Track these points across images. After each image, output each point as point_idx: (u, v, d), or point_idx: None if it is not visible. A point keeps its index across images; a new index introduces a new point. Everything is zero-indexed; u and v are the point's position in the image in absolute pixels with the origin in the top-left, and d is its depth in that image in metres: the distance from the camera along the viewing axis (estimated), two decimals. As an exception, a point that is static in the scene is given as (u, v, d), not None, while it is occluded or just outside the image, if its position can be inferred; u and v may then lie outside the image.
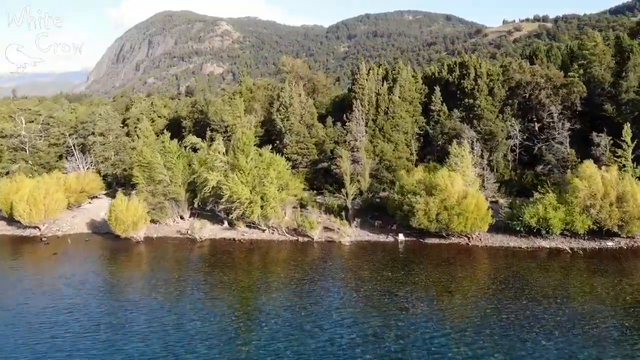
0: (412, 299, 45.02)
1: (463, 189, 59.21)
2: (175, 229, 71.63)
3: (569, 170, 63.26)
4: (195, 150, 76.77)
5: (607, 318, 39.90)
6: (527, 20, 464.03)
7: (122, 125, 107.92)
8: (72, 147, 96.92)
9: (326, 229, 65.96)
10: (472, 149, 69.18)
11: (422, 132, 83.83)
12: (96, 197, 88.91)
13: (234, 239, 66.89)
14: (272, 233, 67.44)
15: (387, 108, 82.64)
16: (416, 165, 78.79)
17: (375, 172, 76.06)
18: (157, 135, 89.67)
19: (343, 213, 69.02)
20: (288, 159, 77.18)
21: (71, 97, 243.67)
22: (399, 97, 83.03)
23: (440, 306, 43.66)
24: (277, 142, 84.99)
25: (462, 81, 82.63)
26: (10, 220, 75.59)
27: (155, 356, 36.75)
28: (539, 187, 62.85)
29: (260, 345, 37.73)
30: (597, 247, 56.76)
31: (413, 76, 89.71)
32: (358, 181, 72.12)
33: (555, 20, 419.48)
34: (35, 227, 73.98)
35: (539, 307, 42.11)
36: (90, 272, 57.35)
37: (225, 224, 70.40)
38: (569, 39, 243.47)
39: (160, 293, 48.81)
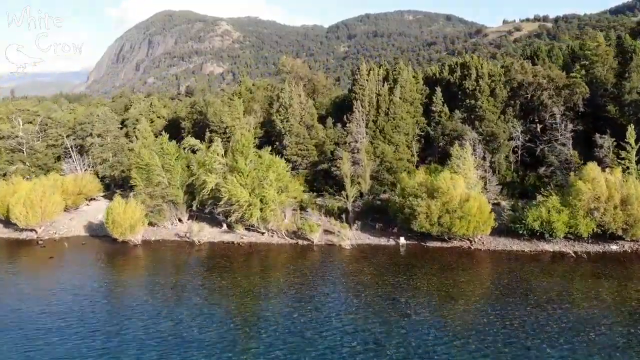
0: (414, 305, 44.22)
1: (465, 192, 58.40)
2: (173, 231, 70.79)
3: (572, 173, 62.45)
4: (194, 151, 75.95)
5: (613, 325, 39.15)
6: (527, 20, 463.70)
7: (121, 126, 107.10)
8: (70, 149, 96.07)
9: (326, 231, 65.15)
10: (474, 150, 68.37)
11: (423, 133, 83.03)
12: (94, 199, 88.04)
13: (232, 242, 66.05)
14: (272, 236, 66.61)
15: (388, 109, 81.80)
16: (417, 167, 78.08)
17: (376, 173, 75.22)
18: (156, 136, 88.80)
19: (343, 215, 68.21)
20: (288, 161, 76.43)
21: (71, 97, 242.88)
22: (400, 98, 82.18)
23: (442, 312, 42.82)
24: (277, 143, 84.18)
25: (463, 82, 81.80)
26: (7, 222, 74.73)
27: (151, 365, 35.99)
28: (541, 189, 62.14)
29: (259, 353, 36.95)
30: (601, 250, 55.97)
31: (414, 77, 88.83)
32: (358, 183, 71.35)
33: (556, 20, 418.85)
34: (31, 230, 73.12)
35: (543, 313, 41.33)
36: (86, 277, 56.43)
37: (224, 226, 69.56)
38: (570, 38, 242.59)
39: (157, 299, 47.99)
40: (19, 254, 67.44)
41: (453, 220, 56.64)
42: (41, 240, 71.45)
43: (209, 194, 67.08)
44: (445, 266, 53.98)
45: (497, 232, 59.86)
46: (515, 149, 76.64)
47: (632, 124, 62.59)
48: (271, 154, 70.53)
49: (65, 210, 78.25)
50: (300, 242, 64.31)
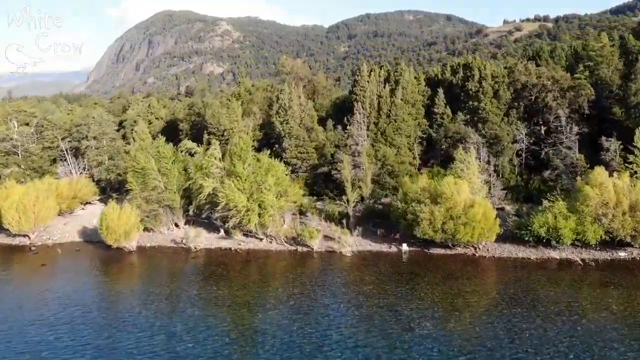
0: (417, 317, 42.48)
1: (470, 197, 56.73)
2: (169, 237, 69.11)
3: (578, 177, 60.78)
4: (192, 154, 74.21)
5: (624, 338, 37.57)
6: (528, 20, 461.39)
7: (118, 127, 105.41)
8: (65, 151, 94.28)
9: (326, 237, 63.47)
10: (478, 154, 66.70)
11: (425, 136, 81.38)
12: (89, 203, 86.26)
13: (230, 249, 64.39)
14: (270, 242, 64.94)
15: (389, 111, 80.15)
16: (419, 170, 76.51)
17: (377, 177, 73.52)
18: (154, 138, 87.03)
19: (344, 220, 66.58)
20: (287, 164, 74.89)
21: (71, 97, 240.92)
22: (402, 100, 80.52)
23: (447, 325, 41.05)
24: (276, 146, 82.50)
25: (466, 83, 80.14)
26: (-1, 228, 73.04)
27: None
28: (547, 194, 60.46)
29: (256, 369, 35.34)
30: (609, 258, 54.36)
31: (415, 78, 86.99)
32: (359, 187, 69.61)
33: (556, 20, 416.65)
34: (24, 236, 71.40)
35: (552, 326, 39.66)
36: (78, 286, 54.63)
37: (222, 232, 67.92)
38: (570, 38, 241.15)
39: (151, 310, 46.25)
40: (10, 260, 65.72)
41: (457, 226, 54.99)
42: (34, 246, 69.71)
43: (206, 199, 65.44)
44: (449, 274, 52.28)
45: (502, 238, 58.15)
46: (519, 151, 75.03)
47: (639, 127, 60.85)
48: (270, 157, 69.03)
49: (59, 215, 76.69)
50: (299, 248, 62.62)
